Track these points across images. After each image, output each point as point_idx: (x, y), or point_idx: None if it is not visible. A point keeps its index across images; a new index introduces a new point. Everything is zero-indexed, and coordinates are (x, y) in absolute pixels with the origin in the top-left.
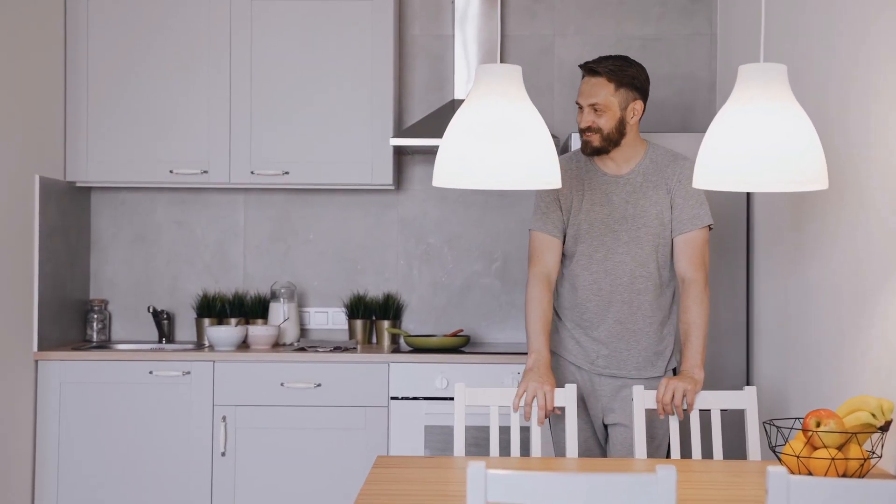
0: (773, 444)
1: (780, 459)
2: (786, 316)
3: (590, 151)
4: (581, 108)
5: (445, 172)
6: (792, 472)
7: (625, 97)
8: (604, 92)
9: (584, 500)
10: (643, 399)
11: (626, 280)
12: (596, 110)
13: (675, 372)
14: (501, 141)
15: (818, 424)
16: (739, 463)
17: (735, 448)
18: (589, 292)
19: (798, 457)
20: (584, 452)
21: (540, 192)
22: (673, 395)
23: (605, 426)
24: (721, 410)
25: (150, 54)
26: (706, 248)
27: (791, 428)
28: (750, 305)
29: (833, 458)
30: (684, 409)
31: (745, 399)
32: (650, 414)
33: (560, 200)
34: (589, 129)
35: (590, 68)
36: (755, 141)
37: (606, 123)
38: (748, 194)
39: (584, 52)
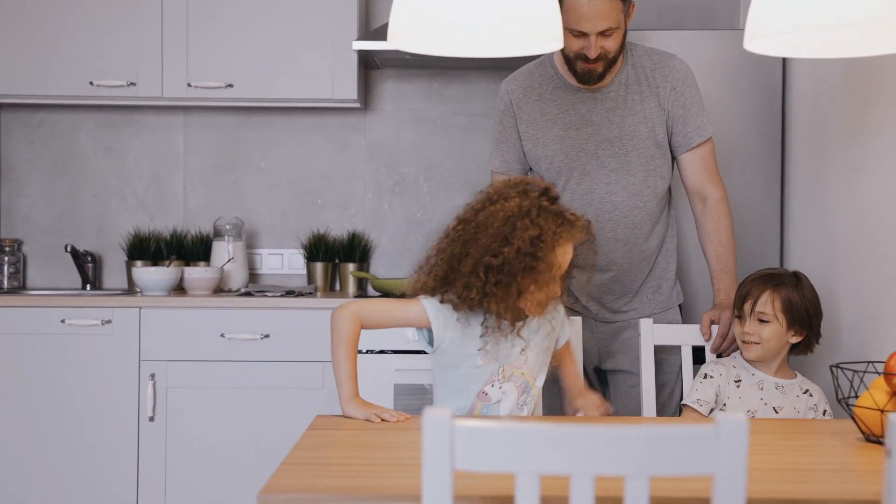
0: (845, 396)
1: (852, 417)
2: (830, 242)
3: (594, 81)
4: (582, 35)
5: (404, 28)
6: (871, 431)
7: (626, 6)
8: (614, 12)
9: (611, 465)
10: (651, 336)
11: (620, 214)
12: (605, 35)
13: (680, 308)
14: None
15: None
16: (798, 422)
17: None
18: None
19: (882, 411)
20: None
21: (497, 117)
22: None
23: (605, 371)
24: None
25: None
26: (716, 158)
27: (864, 372)
28: (784, 231)
29: None
30: None
31: None
32: (658, 356)
33: (519, 128)
34: (598, 57)
35: None
36: None
37: (614, 44)
38: (784, 77)
39: None
